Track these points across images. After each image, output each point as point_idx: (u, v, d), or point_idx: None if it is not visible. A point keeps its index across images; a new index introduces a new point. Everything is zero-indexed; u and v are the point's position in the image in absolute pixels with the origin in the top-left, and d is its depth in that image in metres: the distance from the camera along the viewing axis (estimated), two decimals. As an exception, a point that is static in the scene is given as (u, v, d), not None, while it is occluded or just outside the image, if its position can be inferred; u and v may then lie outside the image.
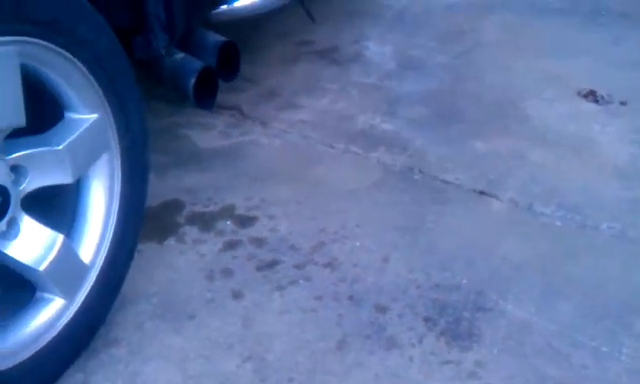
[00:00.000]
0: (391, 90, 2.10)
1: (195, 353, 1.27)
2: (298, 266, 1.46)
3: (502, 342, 1.25)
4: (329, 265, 1.46)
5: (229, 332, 1.31)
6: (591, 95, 1.93)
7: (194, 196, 1.70)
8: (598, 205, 1.55)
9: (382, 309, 1.34)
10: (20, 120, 1.04)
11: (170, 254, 1.52)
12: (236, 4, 1.74)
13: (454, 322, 1.29)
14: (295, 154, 1.85)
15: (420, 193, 1.65)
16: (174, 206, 1.67)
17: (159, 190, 1.68)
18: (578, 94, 1.96)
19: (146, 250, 1.50)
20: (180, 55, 1.55)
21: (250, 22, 2.29)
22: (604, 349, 1.21)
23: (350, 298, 1.37)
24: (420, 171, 1.72)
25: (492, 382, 1.18)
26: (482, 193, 1.63)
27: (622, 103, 1.90)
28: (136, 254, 1.36)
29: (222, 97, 2.05)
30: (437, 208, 1.59)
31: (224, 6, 1.72)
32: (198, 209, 1.65)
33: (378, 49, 2.38)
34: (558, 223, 1.52)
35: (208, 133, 1.96)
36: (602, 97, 1.92)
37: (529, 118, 1.88)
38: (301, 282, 1.42)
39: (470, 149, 1.79)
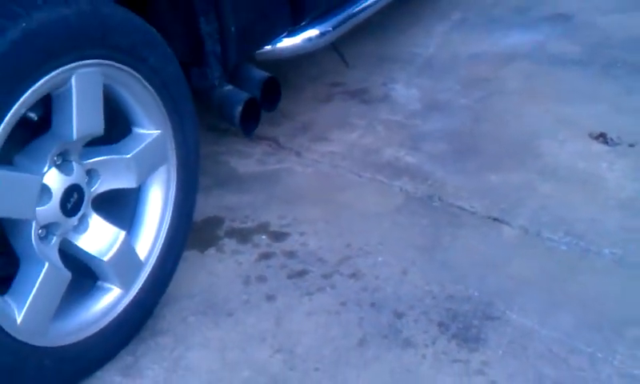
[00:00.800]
0: (416, 128, 2.28)
1: (232, 344, 1.43)
2: (325, 276, 1.62)
3: (507, 346, 1.39)
4: (353, 276, 1.62)
5: (262, 328, 1.47)
6: (601, 137, 2.08)
7: (233, 213, 1.88)
8: (602, 233, 1.69)
9: (399, 314, 1.49)
10: (100, 130, 1.25)
11: (210, 261, 1.70)
12: (279, 45, 1.95)
13: (464, 328, 1.44)
14: (325, 180, 2.03)
15: (438, 217, 1.81)
16: (215, 222, 1.85)
17: (202, 207, 1.86)
18: (590, 135, 2.11)
19: (189, 258, 1.68)
20: (229, 87, 1.75)
21: (287, 63, 2.51)
22: (599, 354, 1.35)
23: (372, 304, 1.53)
24: (439, 199, 1.89)
25: (496, 379, 1.32)
26: (494, 219, 1.78)
27: (631, 145, 2.05)
28: (180, 261, 1.54)
29: (260, 129, 2.23)
30: (453, 231, 1.75)
31: (268, 47, 1.93)
32: (237, 225, 1.83)
33: (405, 91, 2.56)
34: (564, 247, 1.66)
35: (247, 160, 2.15)
36: (612, 139, 2.07)
37: (541, 156, 2.04)
38: (327, 289, 1.58)
39: (486, 181, 1.95)
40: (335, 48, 2.68)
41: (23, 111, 1.10)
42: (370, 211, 1.86)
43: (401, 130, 2.28)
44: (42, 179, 1.18)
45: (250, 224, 1.84)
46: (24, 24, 1.05)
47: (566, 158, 2.02)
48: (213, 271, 1.66)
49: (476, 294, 1.53)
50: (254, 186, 2.02)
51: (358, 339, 1.43)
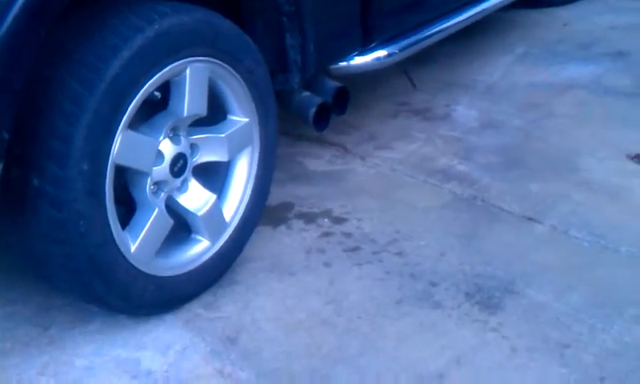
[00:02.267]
0: (470, 142, 2.56)
1: (292, 294, 1.76)
2: (374, 253, 1.93)
3: (522, 313, 1.65)
4: (398, 253, 1.91)
5: (317, 285, 1.79)
6: (637, 157, 2.29)
7: (302, 201, 2.21)
8: (623, 236, 1.91)
9: (433, 284, 1.77)
10: (204, 111, 1.61)
11: (280, 235, 2.03)
12: (351, 62, 2.29)
13: (487, 298, 1.71)
14: (384, 180, 2.34)
15: (478, 214, 2.08)
16: (287, 206, 2.19)
17: (277, 195, 2.21)
18: (627, 156, 2.32)
19: (263, 231, 2.02)
20: (305, 93, 2.10)
21: (360, 82, 2.86)
22: (599, 325, 1.58)
23: (411, 275, 1.82)
24: (482, 200, 2.16)
25: (507, 335, 1.58)
26: (529, 218, 2.04)
27: (665, 167, 2.25)
28: (255, 232, 1.89)
29: (330, 136, 2.61)
30: (490, 225, 2.02)
31: (343, 63, 2.28)
32: (304, 210, 2.17)
33: (465, 111, 2.84)
34: (586, 244, 1.89)
35: (317, 160, 2.50)
36: (647, 160, 2.29)
37: (579, 170, 2.27)
38: (375, 262, 1.89)
39: (526, 188, 2.20)
40: (405, 72, 3.02)
41: (151, 90, 1.48)
42: (420, 206, 2.15)
43: (457, 144, 2.56)
44: (159, 145, 1.55)
45: (315, 210, 2.17)
46: (157, 26, 1.44)
47: (601, 174, 2.24)
48: (281, 242, 2.00)
49: (501, 274, 1.79)
50: (322, 181, 2.35)
51: (396, 299, 1.72)
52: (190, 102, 1.56)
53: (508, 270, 1.80)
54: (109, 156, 1.40)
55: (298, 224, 2.09)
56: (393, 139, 2.62)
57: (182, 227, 1.72)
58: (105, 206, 1.42)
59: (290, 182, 2.34)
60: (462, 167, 2.38)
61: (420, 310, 1.68)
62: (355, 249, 1.95)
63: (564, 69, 3.19)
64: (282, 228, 2.07)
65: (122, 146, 1.42)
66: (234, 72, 1.65)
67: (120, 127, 1.41)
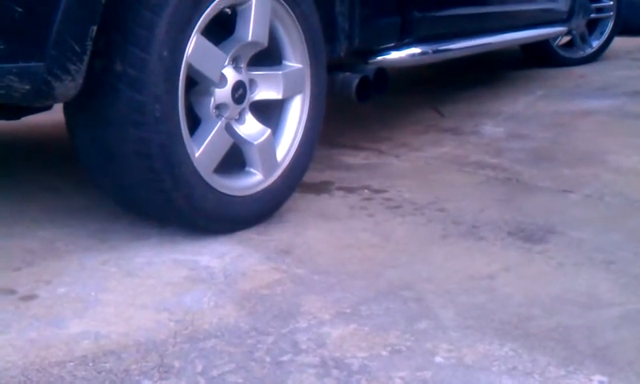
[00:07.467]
0: (499, 146, 2.67)
1: (340, 230, 1.82)
2: (415, 209, 1.99)
3: (564, 245, 1.69)
4: (439, 210, 1.98)
5: (363, 227, 1.85)
6: (663, 153, 2.39)
7: (342, 180, 2.30)
8: (657, 201, 1.98)
9: (476, 227, 1.83)
10: (265, 42, 1.74)
11: (323, 198, 2.11)
12: (388, 56, 2.45)
13: (530, 235, 1.76)
14: (419, 168, 2.43)
15: (515, 188, 2.15)
16: (327, 183, 2.27)
17: (316, 176, 2.31)
18: (653, 153, 2.43)
19: (306, 197, 2.09)
20: (348, 72, 2.25)
21: (390, 109, 3.02)
22: (635, 253, 1.62)
23: (453, 222, 1.87)
24: (516, 180, 2.24)
25: (553, 256, 1.62)
26: (563, 191, 2.11)
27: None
28: (300, 196, 1.96)
29: (364, 143, 2.73)
30: (526, 195, 2.09)
31: (379, 57, 2.44)
32: (345, 185, 2.25)
33: (492, 129, 2.97)
34: (620, 205, 1.96)
35: (353, 158, 2.60)
36: (674, 155, 2.38)
37: (607, 162, 2.36)
38: (417, 215, 1.95)
39: (558, 172, 2.28)
40: (433, 107, 3.21)
41: (222, 6, 1.62)
42: (456, 183, 2.23)
43: (486, 147, 2.67)
44: (225, 61, 1.66)
45: (355, 185, 2.25)
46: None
47: (628, 163, 2.33)
48: (325, 203, 2.06)
49: (541, 221, 1.85)
50: (359, 169, 2.44)
51: (440, 235, 1.77)
52: (254, 28, 1.69)
53: (548, 220, 1.86)
54: (184, 52, 1.52)
55: (339, 193, 2.17)
56: (425, 145, 2.74)
57: (237, 163, 1.80)
58: (177, 97, 1.52)
59: (329, 170, 2.43)
60: (493, 161, 2.48)
61: (465, 241, 1.73)
62: (397, 207, 2.02)
63: (584, 102, 3.35)
64: (325, 195, 2.15)
65: (196, 48, 1.55)
66: (291, 13, 1.79)
67: (195, 28, 1.54)
